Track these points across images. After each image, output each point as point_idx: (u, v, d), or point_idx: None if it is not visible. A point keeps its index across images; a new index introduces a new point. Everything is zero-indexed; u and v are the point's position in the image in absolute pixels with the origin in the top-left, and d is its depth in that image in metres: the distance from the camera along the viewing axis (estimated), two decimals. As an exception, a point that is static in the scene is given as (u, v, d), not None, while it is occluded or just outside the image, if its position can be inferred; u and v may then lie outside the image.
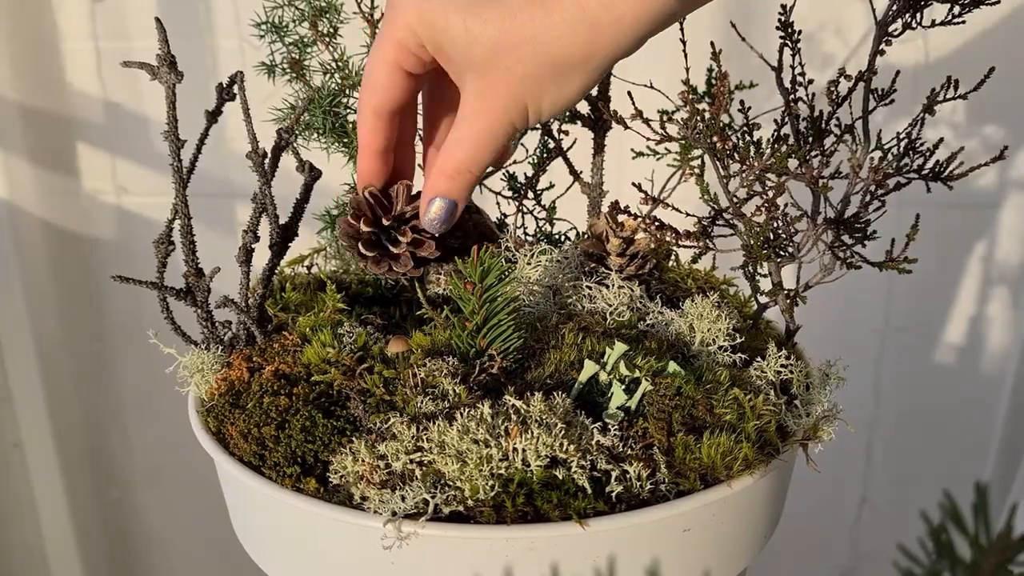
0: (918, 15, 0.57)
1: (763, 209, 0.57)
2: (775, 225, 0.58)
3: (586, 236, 0.73)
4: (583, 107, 0.72)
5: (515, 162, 0.75)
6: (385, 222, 0.57)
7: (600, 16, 0.47)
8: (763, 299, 0.64)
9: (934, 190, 0.60)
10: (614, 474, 0.48)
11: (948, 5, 0.57)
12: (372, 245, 0.57)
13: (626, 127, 0.63)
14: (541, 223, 0.77)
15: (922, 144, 0.58)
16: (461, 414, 0.49)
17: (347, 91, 0.70)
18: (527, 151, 0.75)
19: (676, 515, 0.49)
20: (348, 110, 0.70)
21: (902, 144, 0.58)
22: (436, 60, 0.52)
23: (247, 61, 1.08)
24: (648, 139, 0.62)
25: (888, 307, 1.15)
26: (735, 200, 0.59)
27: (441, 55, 0.51)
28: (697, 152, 0.71)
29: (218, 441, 0.56)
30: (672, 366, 0.54)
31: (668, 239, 0.61)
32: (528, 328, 0.59)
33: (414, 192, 0.58)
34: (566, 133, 0.74)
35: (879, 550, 1.25)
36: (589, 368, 0.53)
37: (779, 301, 0.63)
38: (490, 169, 0.66)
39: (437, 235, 0.55)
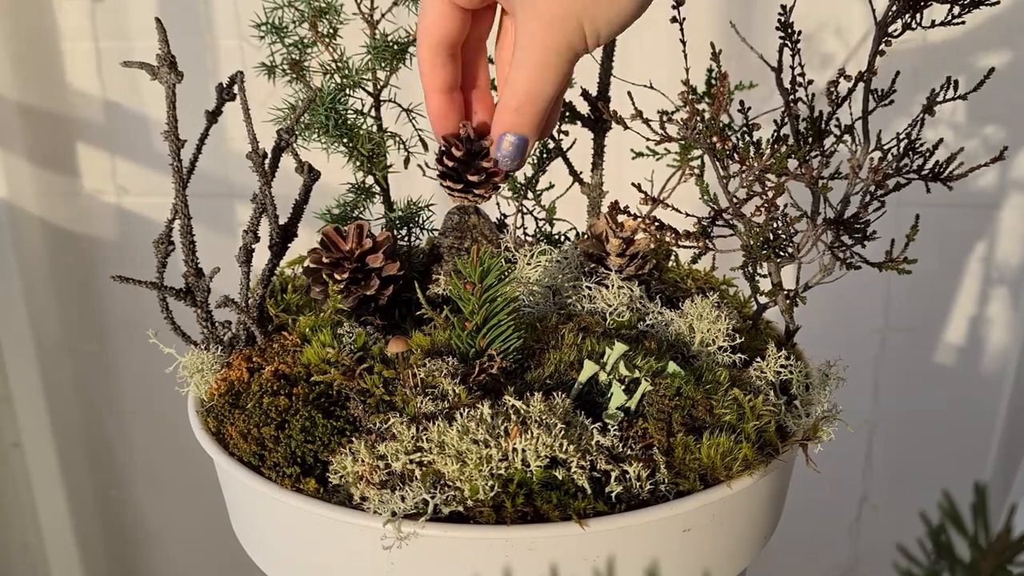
0: (918, 15, 0.57)
1: (763, 209, 0.57)
2: (775, 225, 0.58)
3: (586, 236, 0.73)
4: (583, 107, 0.72)
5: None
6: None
7: None
8: (763, 299, 0.64)
9: (934, 190, 0.60)
10: (614, 474, 0.48)
11: (948, 5, 0.57)
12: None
13: (626, 127, 0.63)
14: (541, 223, 0.77)
15: (922, 145, 0.58)
16: (461, 414, 0.49)
17: (347, 91, 0.70)
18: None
19: (676, 515, 0.49)
20: (348, 109, 0.70)
21: (902, 145, 0.58)
22: None
23: (247, 61, 1.08)
24: (648, 139, 0.62)
25: (888, 307, 1.15)
26: (735, 200, 0.59)
27: None
28: (697, 152, 0.71)
29: (218, 441, 0.56)
30: (672, 366, 0.54)
31: (668, 239, 0.61)
32: (528, 328, 0.59)
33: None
34: (566, 133, 0.74)
35: (879, 550, 1.25)
36: (589, 368, 0.53)
37: (779, 301, 0.63)
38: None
39: (509, 170, 0.56)
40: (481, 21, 0.56)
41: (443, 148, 0.59)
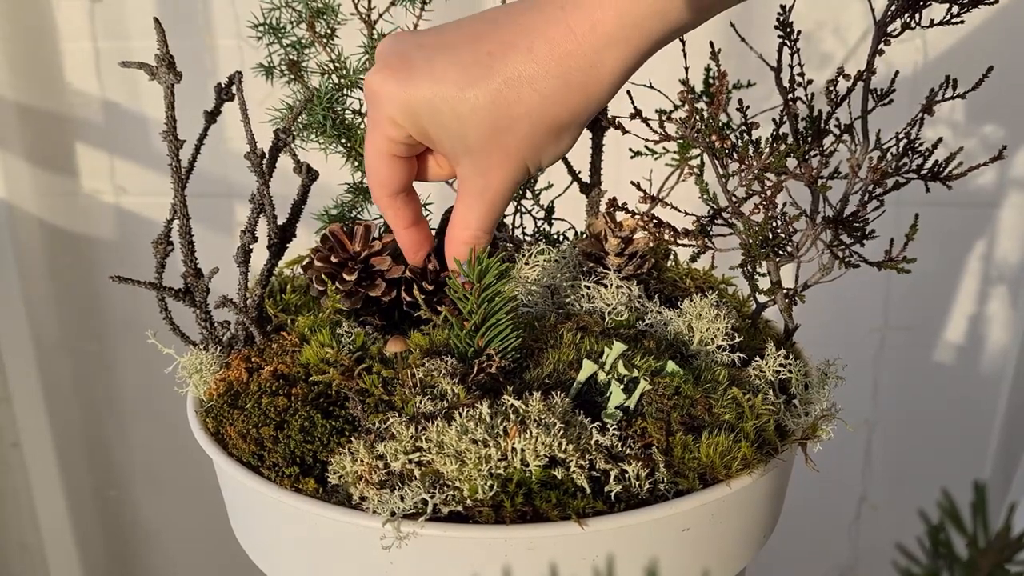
0: (917, 15, 0.57)
1: (761, 208, 0.57)
2: (774, 224, 0.58)
3: (584, 236, 0.73)
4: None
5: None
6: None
7: (586, 82, 0.49)
8: (762, 298, 0.64)
9: (933, 189, 0.60)
10: (613, 474, 0.48)
11: (947, 5, 0.57)
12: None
13: (624, 132, 0.63)
14: (539, 223, 0.77)
15: (921, 144, 0.58)
16: (460, 414, 0.49)
17: (345, 91, 0.70)
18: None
19: (675, 515, 0.49)
20: (346, 109, 0.70)
21: (901, 144, 0.58)
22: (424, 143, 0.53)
23: (245, 61, 1.08)
24: (647, 139, 0.62)
25: (887, 306, 1.15)
26: (734, 199, 0.59)
27: (429, 140, 0.53)
28: (695, 152, 0.71)
29: (217, 441, 0.56)
30: (671, 365, 0.54)
31: (667, 237, 0.61)
32: (526, 328, 0.59)
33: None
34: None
35: (878, 549, 1.26)
36: (588, 368, 0.53)
37: (778, 300, 0.63)
38: None
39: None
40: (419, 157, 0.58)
41: (412, 279, 0.63)
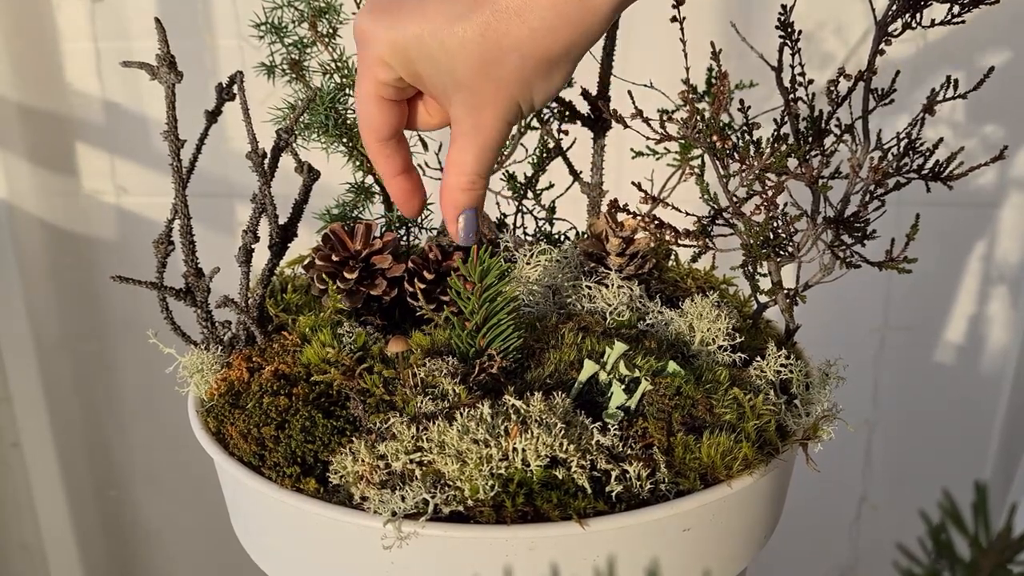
0: (918, 15, 0.57)
1: (762, 208, 0.57)
2: (775, 224, 0.58)
3: (586, 236, 0.73)
4: (583, 107, 0.72)
5: (515, 162, 0.75)
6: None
7: (578, 15, 0.47)
8: (763, 298, 0.64)
9: (934, 189, 0.60)
10: (614, 474, 0.48)
11: (947, 5, 0.57)
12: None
13: (626, 126, 0.63)
14: (541, 223, 0.77)
15: (922, 144, 0.58)
16: (461, 414, 0.49)
17: (346, 90, 0.70)
18: (527, 151, 0.75)
19: (676, 515, 0.49)
20: (348, 109, 0.70)
21: (902, 144, 0.58)
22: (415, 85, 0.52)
23: (247, 61, 1.08)
24: (648, 138, 0.62)
25: (888, 306, 1.15)
26: (735, 199, 0.59)
27: (420, 81, 0.51)
28: (697, 152, 0.71)
29: (218, 441, 0.56)
30: (672, 366, 0.54)
31: (668, 237, 0.61)
32: (528, 328, 0.59)
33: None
34: (566, 133, 0.74)
35: (878, 549, 1.25)
36: (589, 368, 0.53)
37: (779, 300, 0.63)
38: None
39: (467, 245, 0.58)
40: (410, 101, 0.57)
41: (413, 269, 0.62)
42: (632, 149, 0.74)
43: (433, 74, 0.50)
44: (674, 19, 0.59)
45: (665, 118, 0.60)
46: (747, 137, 0.58)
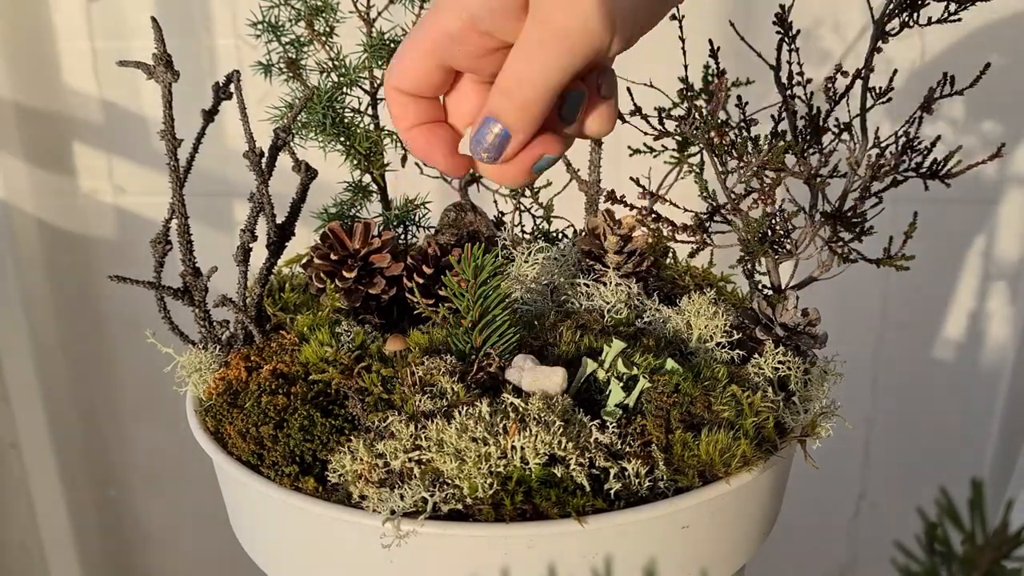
0: (915, 13, 0.57)
1: (759, 202, 0.57)
2: (772, 221, 0.58)
3: (583, 234, 0.73)
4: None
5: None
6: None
7: None
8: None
9: (932, 186, 0.60)
10: (612, 471, 0.48)
11: (944, 3, 0.57)
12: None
13: (624, 121, 0.63)
14: (539, 221, 0.77)
15: (920, 142, 0.58)
16: (459, 412, 0.49)
17: (344, 89, 0.70)
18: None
19: (674, 512, 0.49)
20: (345, 107, 0.70)
21: (900, 142, 0.58)
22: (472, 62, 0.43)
23: (244, 60, 1.08)
24: (647, 134, 0.62)
25: (886, 303, 1.15)
26: (733, 196, 0.59)
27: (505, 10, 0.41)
28: (695, 149, 0.71)
29: (216, 440, 0.56)
30: (670, 363, 0.54)
31: (665, 232, 0.61)
32: (526, 326, 0.59)
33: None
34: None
35: (877, 546, 1.26)
36: (587, 366, 0.53)
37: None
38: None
39: (479, 159, 0.46)
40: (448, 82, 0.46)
41: (412, 264, 0.61)
42: (630, 147, 0.74)
43: None
44: (673, 17, 0.59)
45: (663, 115, 0.60)
46: (745, 134, 0.58)
